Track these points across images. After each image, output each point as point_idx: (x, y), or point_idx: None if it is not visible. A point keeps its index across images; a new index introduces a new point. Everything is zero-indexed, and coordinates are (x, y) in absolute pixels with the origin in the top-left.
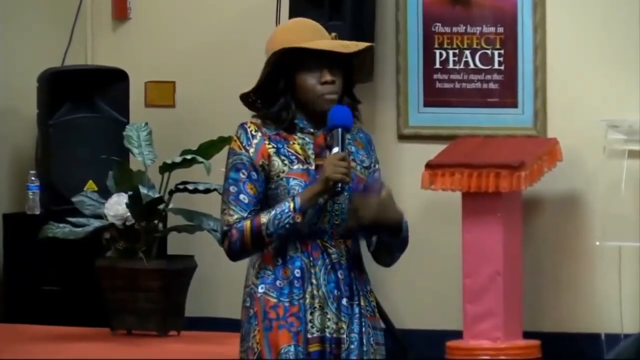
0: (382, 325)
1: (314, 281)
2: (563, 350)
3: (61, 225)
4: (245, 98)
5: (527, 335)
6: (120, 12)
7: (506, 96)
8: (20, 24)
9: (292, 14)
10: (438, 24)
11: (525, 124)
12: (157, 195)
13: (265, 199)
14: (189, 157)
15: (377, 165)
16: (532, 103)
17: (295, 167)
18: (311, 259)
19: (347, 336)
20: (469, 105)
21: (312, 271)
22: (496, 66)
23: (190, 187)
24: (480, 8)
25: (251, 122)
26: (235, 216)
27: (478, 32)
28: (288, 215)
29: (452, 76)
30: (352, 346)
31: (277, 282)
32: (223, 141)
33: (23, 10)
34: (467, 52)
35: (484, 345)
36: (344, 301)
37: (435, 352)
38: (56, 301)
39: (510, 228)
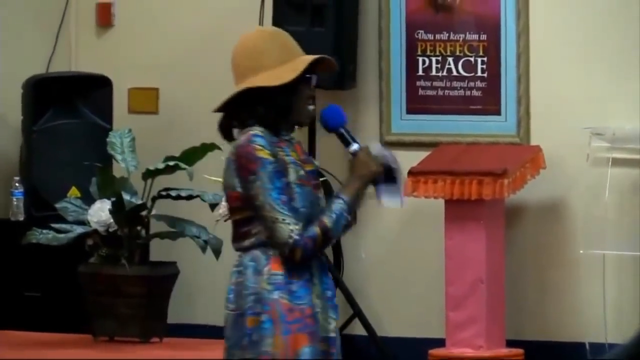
0: None
1: (316, 282)
2: (546, 359)
3: (44, 231)
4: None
5: (510, 343)
6: (104, 19)
7: (489, 103)
8: (4, 30)
9: (275, 20)
10: (421, 30)
11: (508, 131)
12: (140, 202)
13: None
14: (171, 163)
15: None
16: (515, 110)
17: (301, 173)
18: (315, 261)
19: (336, 335)
20: (452, 112)
21: (313, 273)
22: (479, 73)
23: (173, 193)
24: (463, 15)
25: (260, 130)
26: (300, 225)
27: (461, 39)
28: (345, 217)
29: (435, 83)
30: (336, 345)
31: (290, 286)
32: (206, 148)
33: (7, 17)
34: (450, 59)
35: (467, 353)
36: (334, 301)
37: None
38: (38, 307)
39: (493, 235)
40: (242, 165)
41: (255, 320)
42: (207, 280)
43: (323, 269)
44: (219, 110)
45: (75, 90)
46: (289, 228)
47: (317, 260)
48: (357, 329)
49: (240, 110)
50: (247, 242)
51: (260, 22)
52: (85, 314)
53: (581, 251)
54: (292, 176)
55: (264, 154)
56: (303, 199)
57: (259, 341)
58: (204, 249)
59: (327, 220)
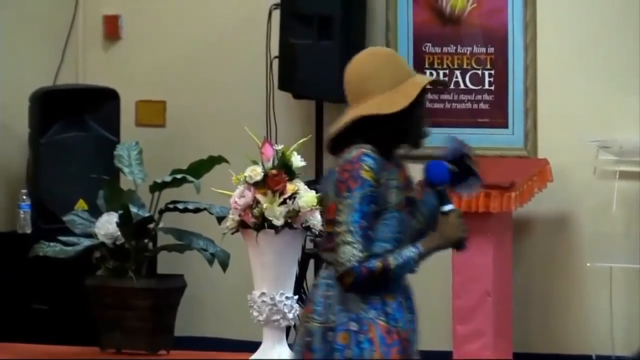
0: None
1: (405, 305)
2: None
3: (52, 244)
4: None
5: (517, 356)
6: (112, 32)
7: (496, 116)
8: (12, 43)
9: (283, 33)
10: (428, 44)
11: (516, 144)
12: (147, 214)
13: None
14: (179, 176)
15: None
16: (523, 123)
17: (401, 197)
18: (403, 284)
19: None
20: (459, 125)
21: (403, 296)
22: (486, 86)
23: (180, 206)
24: (470, 28)
25: (370, 150)
26: (365, 253)
27: (468, 52)
28: (412, 265)
29: (443, 96)
30: None
31: (386, 308)
32: (213, 160)
33: (15, 29)
34: (458, 72)
35: None
36: (415, 326)
37: None
38: (46, 320)
39: (500, 248)
40: (344, 180)
41: (347, 338)
42: (214, 293)
43: (408, 294)
44: (334, 136)
45: (82, 102)
46: (353, 252)
47: (401, 284)
48: None
49: (352, 134)
50: None
51: (268, 35)
52: (93, 326)
53: (588, 264)
54: (393, 200)
55: (368, 176)
56: (399, 225)
57: (357, 359)
58: (211, 262)
59: (393, 260)
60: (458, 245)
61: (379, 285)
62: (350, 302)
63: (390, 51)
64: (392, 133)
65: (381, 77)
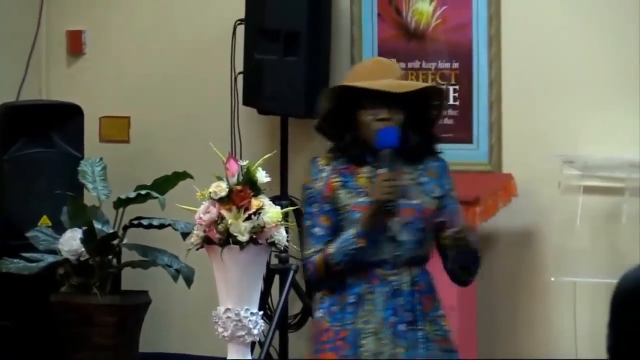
0: (455, 348)
1: (369, 307)
2: None
3: (15, 260)
4: (321, 130)
5: None
6: (75, 47)
7: (461, 131)
8: None
9: (247, 48)
10: (393, 59)
11: (480, 159)
12: (111, 231)
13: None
14: (143, 192)
15: (451, 192)
16: (487, 138)
17: (361, 200)
18: (369, 286)
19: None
20: None
21: (369, 297)
22: (451, 102)
23: (144, 222)
24: (435, 43)
25: (323, 157)
26: (311, 250)
27: (433, 67)
28: (352, 241)
29: None
30: None
31: (332, 307)
32: (177, 176)
33: None
34: None
35: None
36: (402, 326)
37: None
38: (10, 337)
39: None
40: None
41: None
42: (179, 309)
43: (394, 294)
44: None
45: (46, 118)
46: (304, 252)
47: (381, 284)
48: None
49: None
50: None
51: (232, 51)
52: (58, 343)
53: (553, 279)
54: (344, 202)
55: (306, 180)
56: (350, 226)
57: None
58: (175, 278)
59: (331, 247)
60: (385, 208)
61: (332, 274)
62: (314, 304)
63: (379, 58)
64: (330, 135)
65: (345, 77)
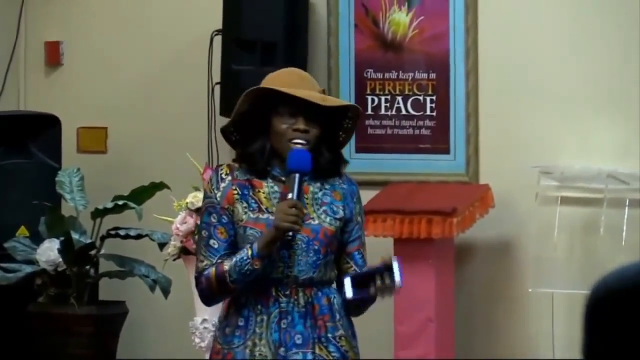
0: None
1: (257, 330)
2: None
3: None
4: (227, 134)
5: None
6: (53, 58)
7: (438, 142)
8: None
9: (224, 59)
10: (370, 69)
11: (457, 170)
12: (88, 241)
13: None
14: (120, 202)
15: (359, 218)
16: (464, 149)
17: (254, 216)
18: (259, 307)
19: None
20: (401, 151)
21: (259, 319)
22: (428, 112)
23: (121, 232)
24: (412, 54)
25: (226, 165)
26: (205, 262)
27: (410, 78)
28: (247, 262)
29: (384, 122)
30: None
31: (226, 330)
32: (155, 187)
33: None
34: (399, 98)
35: None
36: (291, 350)
37: None
38: None
39: (442, 274)
40: None
41: None
42: (156, 319)
43: (282, 316)
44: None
45: (23, 129)
46: (197, 264)
47: (273, 306)
48: None
49: None
50: None
51: (209, 61)
52: (35, 353)
53: (530, 289)
54: (238, 217)
55: (207, 188)
56: (242, 241)
57: None
58: (152, 288)
59: (227, 264)
60: (284, 236)
61: (226, 290)
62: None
63: (294, 69)
64: (236, 141)
65: (261, 83)
